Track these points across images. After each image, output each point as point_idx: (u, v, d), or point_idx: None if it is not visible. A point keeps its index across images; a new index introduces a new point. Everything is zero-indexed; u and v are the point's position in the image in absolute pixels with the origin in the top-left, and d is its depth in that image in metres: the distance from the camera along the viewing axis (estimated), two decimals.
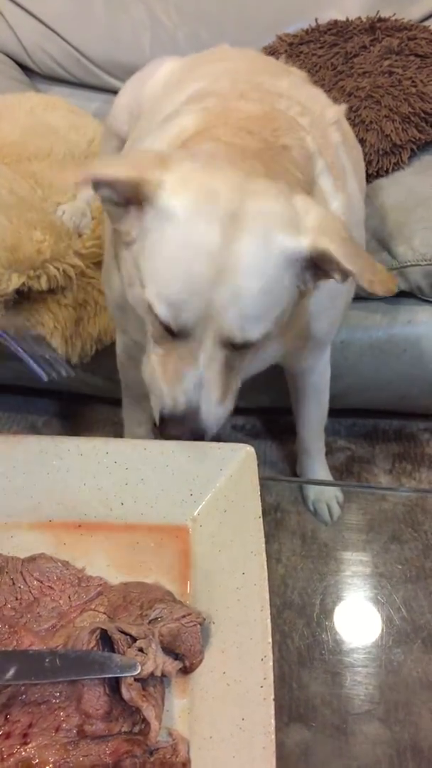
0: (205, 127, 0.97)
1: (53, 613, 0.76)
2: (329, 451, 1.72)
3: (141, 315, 0.95)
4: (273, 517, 1.23)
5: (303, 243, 0.84)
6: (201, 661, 0.72)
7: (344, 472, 1.89)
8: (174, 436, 0.91)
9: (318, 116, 1.15)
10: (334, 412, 1.58)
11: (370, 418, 1.99)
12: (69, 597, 0.78)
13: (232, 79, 1.16)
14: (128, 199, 0.88)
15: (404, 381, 1.73)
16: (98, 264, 1.57)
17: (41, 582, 0.78)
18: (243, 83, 1.13)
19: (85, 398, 1.89)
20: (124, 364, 1.43)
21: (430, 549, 1.16)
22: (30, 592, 0.78)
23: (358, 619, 1.05)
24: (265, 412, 1.93)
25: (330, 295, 1.08)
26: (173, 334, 0.88)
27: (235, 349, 0.89)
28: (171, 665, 0.69)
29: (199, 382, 0.88)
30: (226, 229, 0.81)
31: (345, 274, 0.87)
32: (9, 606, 0.76)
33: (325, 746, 0.90)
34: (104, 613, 0.74)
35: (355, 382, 1.71)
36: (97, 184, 0.88)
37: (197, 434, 0.90)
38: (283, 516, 1.29)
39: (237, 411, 1.97)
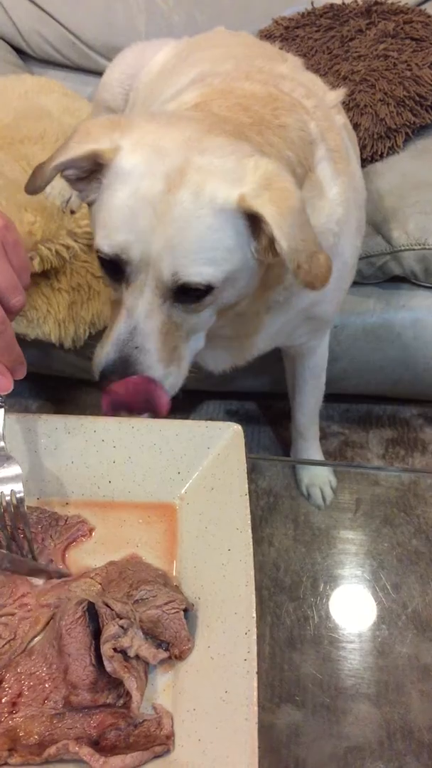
0: (203, 101, 0.97)
1: (42, 558, 0.79)
2: (323, 436, 1.73)
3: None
4: (266, 502, 1.24)
5: (233, 195, 0.83)
6: (191, 649, 0.72)
7: (338, 456, 1.89)
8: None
9: (321, 98, 1.15)
10: (328, 397, 1.59)
11: (363, 403, 1.99)
12: (51, 537, 0.80)
13: (235, 62, 1.16)
14: (90, 170, 0.89)
15: (398, 366, 1.73)
16: (92, 247, 1.56)
17: (20, 528, 0.79)
18: (246, 66, 1.13)
19: (78, 382, 1.89)
20: None
21: (421, 532, 1.17)
22: (13, 540, 0.79)
23: (349, 602, 1.05)
24: (259, 397, 1.94)
25: (335, 276, 1.08)
26: (119, 282, 0.88)
27: (178, 302, 0.87)
28: (149, 651, 0.69)
29: (132, 333, 0.86)
30: (170, 181, 0.82)
31: (274, 249, 0.85)
32: None
33: (315, 727, 0.91)
34: (99, 584, 0.75)
35: (349, 366, 1.71)
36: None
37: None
38: (276, 500, 1.29)
39: (231, 395, 1.99)
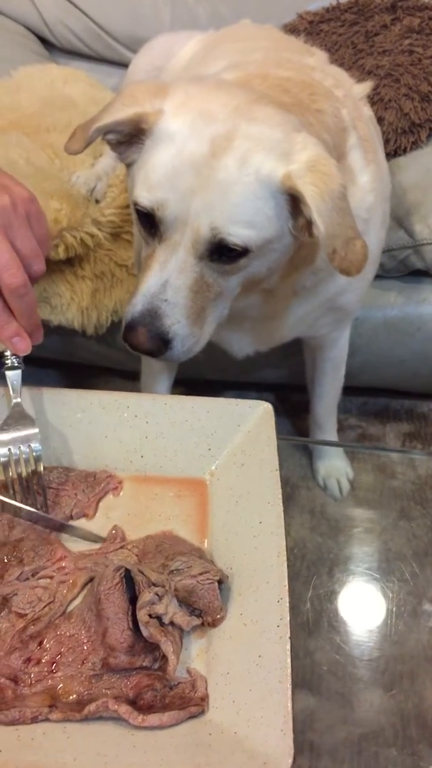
0: (244, 80, 0.98)
1: (76, 509, 0.83)
2: (340, 429, 1.74)
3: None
4: (283, 492, 1.24)
5: (278, 171, 0.84)
6: (223, 618, 0.74)
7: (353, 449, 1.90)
8: (133, 344, 0.89)
9: (349, 90, 1.16)
10: (346, 390, 1.60)
11: (381, 397, 2.00)
12: (83, 490, 0.84)
13: (264, 53, 1.17)
14: (131, 134, 0.90)
15: (417, 359, 1.74)
16: (116, 235, 1.58)
17: (54, 488, 0.84)
18: (275, 57, 1.14)
19: (99, 370, 1.90)
20: None
21: None
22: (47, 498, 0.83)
23: (365, 592, 1.07)
24: (277, 388, 1.95)
25: None
26: (154, 236, 0.89)
27: (212, 261, 0.88)
28: (182, 618, 0.71)
29: (163, 286, 0.87)
30: (215, 146, 0.83)
31: (312, 230, 0.86)
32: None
33: (330, 713, 0.92)
34: (136, 555, 0.77)
35: (368, 359, 1.72)
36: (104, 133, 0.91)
37: (155, 341, 0.88)
38: (293, 491, 1.30)
39: (250, 386, 1.99)
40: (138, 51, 1.71)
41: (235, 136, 0.83)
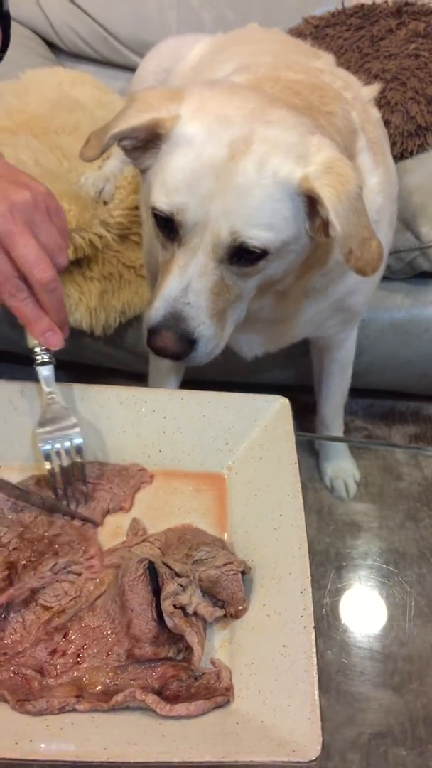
0: (255, 83, 0.99)
1: (113, 503, 0.84)
2: (346, 431, 1.74)
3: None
4: None
5: (297, 173, 0.85)
6: (245, 609, 0.74)
7: (360, 449, 1.90)
8: (158, 348, 0.89)
9: (357, 92, 1.17)
10: (352, 392, 1.60)
11: (387, 399, 2.01)
12: (118, 484, 0.84)
13: (273, 56, 1.18)
14: (146, 140, 0.91)
15: (424, 361, 1.74)
16: (124, 237, 1.59)
17: (90, 483, 0.85)
18: (284, 59, 1.15)
19: (106, 371, 1.90)
20: None
21: None
22: (82, 494, 0.84)
23: (373, 593, 1.07)
24: (284, 390, 1.94)
25: None
26: (172, 241, 0.89)
27: (231, 264, 0.89)
28: (206, 609, 0.71)
29: (184, 290, 0.87)
30: (233, 149, 0.84)
31: (328, 230, 0.87)
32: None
33: (339, 713, 0.92)
34: (159, 548, 0.77)
35: (375, 360, 1.73)
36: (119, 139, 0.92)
37: (181, 344, 0.88)
38: None
39: (257, 388, 1.99)
40: (144, 54, 1.72)
41: (253, 140, 0.84)
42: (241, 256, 0.87)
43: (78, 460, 0.84)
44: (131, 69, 2.06)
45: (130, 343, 1.71)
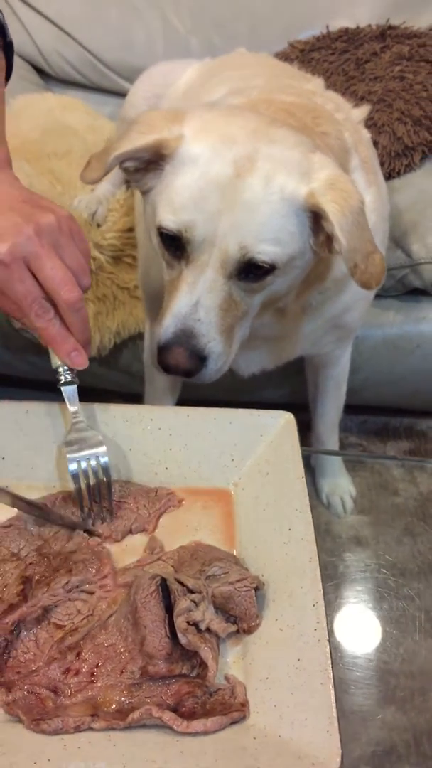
0: (250, 105, 1.01)
1: (136, 523, 0.84)
2: (341, 447, 1.75)
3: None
4: None
5: (302, 190, 0.87)
6: (258, 625, 0.74)
7: (356, 466, 1.91)
8: (169, 366, 0.90)
9: (348, 113, 1.19)
10: (347, 409, 1.61)
11: (381, 415, 2.02)
12: (144, 506, 0.85)
13: (264, 80, 1.20)
14: (149, 161, 0.92)
15: (416, 377, 1.76)
16: (117, 259, 1.60)
17: (115, 501, 0.85)
18: (276, 83, 1.18)
19: (102, 393, 1.90)
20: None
21: None
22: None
23: (373, 609, 1.07)
24: (279, 407, 1.95)
25: None
26: (179, 259, 0.90)
27: (239, 280, 0.90)
28: (219, 625, 0.71)
29: (194, 307, 0.88)
30: (238, 167, 0.86)
31: (332, 245, 0.89)
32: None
33: (343, 732, 0.91)
34: (172, 566, 0.77)
35: (368, 377, 1.74)
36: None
37: (192, 360, 0.89)
38: None
39: (252, 406, 2.00)
40: (132, 79, 1.74)
41: (257, 158, 0.86)
42: (249, 271, 0.89)
43: (104, 479, 0.84)
44: (120, 94, 2.08)
45: (124, 364, 1.72)
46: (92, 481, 0.84)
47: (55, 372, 0.86)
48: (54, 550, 0.79)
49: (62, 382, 0.86)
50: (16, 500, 0.82)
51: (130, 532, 0.84)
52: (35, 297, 0.80)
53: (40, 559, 0.78)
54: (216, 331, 0.89)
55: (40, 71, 2.22)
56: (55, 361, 0.86)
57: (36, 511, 0.83)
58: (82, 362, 0.84)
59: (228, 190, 0.85)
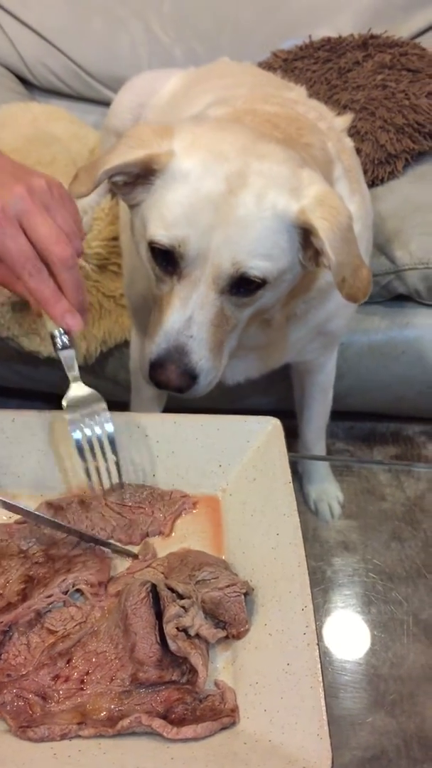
0: (234, 117, 1.01)
1: (152, 527, 0.85)
2: (328, 453, 1.76)
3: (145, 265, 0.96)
4: None
5: (293, 207, 0.87)
6: (247, 630, 0.74)
7: (343, 472, 1.91)
8: (161, 382, 0.90)
9: (331, 122, 1.20)
10: (333, 415, 1.62)
11: (367, 421, 2.02)
12: (160, 509, 0.85)
13: (248, 89, 1.21)
14: (138, 176, 0.92)
15: (402, 383, 1.76)
16: (103, 267, 1.60)
17: (130, 506, 0.85)
18: (259, 92, 1.18)
19: None
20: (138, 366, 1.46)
21: (429, 546, 1.19)
22: (122, 516, 0.85)
23: (361, 615, 1.07)
24: (265, 414, 1.95)
25: None
26: (171, 274, 0.90)
27: (231, 295, 0.90)
28: (208, 631, 0.72)
29: (187, 323, 0.89)
30: (231, 183, 0.86)
31: (320, 259, 0.90)
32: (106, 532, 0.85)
33: (332, 737, 0.92)
34: (162, 573, 0.77)
35: (354, 383, 1.74)
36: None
37: (184, 378, 0.89)
38: None
39: (239, 413, 2.01)
40: (116, 89, 1.74)
41: (248, 173, 0.87)
42: (241, 286, 0.89)
43: (108, 444, 0.84)
44: (104, 103, 2.09)
45: (111, 373, 1.71)
46: (95, 444, 0.83)
47: (51, 338, 0.85)
48: (61, 553, 0.79)
49: (58, 346, 0.85)
50: (30, 516, 0.81)
51: (147, 535, 0.85)
52: (28, 256, 0.79)
53: (45, 560, 0.78)
54: (207, 348, 0.90)
55: (24, 81, 2.22)
56: (50, 326, 0.85)
57: (49, 523, 0.82)
58: (76, 324, 0.82)
59: (221, 206, 0.85)
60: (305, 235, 0.89)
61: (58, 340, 0.85)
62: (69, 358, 0.86)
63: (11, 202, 0.79)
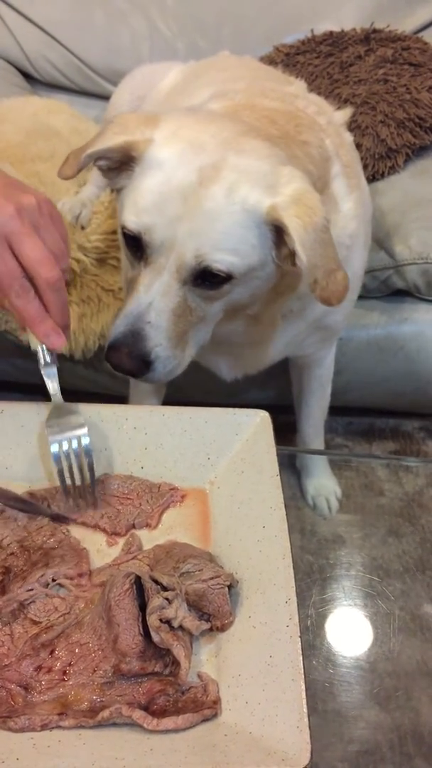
0: (231, 112, 1.01)
1: (139, 518, 0.84)
2: (327, 448, 1.75)
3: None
4: None
5: (264, 203, 0.87)
6: (231, 623, 0.74)
7: (342, 467, 1.91)
8: (115, 364, 0.91)
9: (330, 116, 1.20)
10: (332, 410, 1.61)
11: (366, 416, 2.02)
12: (147, 501, 0.85)
13: (247, 83, 1.21)
14: (121, 161, 0.93)
15: (401, 378, 1.76)
16: (102, 261, 1.60)
17: (117, 496, 0.85)
18: (259, 86, 1.18)
19: (87, 395, 1.89)
20: None
21: (426, 541, 1.19)
22: (109, 505, 0.85)
23: (357, 610, 1.07)
24: (263, 408, 1.95)
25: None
26: (139, 260, 0.91)
27: (196, 286, 0.90)
28: (192, 623, 0.71)
29: (147, 308, 0.89)
30: (203, 175, 0.86)
31: (293, 260, 0.89)
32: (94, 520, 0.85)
33: (326, 731, 0.92)
34: (147, 565, 0.77)
35: (353, 378, 1.74)
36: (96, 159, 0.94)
37: (136, 362, 0.90)
38: None
39: (237, 407, 2.01)
40: (118, 83, 1.74)
41: (223, 167, 0.86)
42: (206, 278, 0.89)
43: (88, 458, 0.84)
44: (106, 97, 2.08)
45: (109, 366, 1.71)
46: (74, 463, 0.83)
47: (35, 354, 0.86)
48: (36, 544, 0.79)
49: (42, 364, 0.86)
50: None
51: (133, 527, 0.85)
52: (15, 276, 0.80)
53: (20, 551, 0.78)
54: (164, 336, 0.90)
55: (26, 75, 2.23)
56: (34, 343, 0.85)
57: (21, 505, 0.83)
58: (60, 343, 0.84)
59: (190, 197, 0.86)
60: (279, 233, 0.89)
61: (42, 359, 0.86)
62: (51, 376, 0.87)
63: (1, 222, 0.79)
